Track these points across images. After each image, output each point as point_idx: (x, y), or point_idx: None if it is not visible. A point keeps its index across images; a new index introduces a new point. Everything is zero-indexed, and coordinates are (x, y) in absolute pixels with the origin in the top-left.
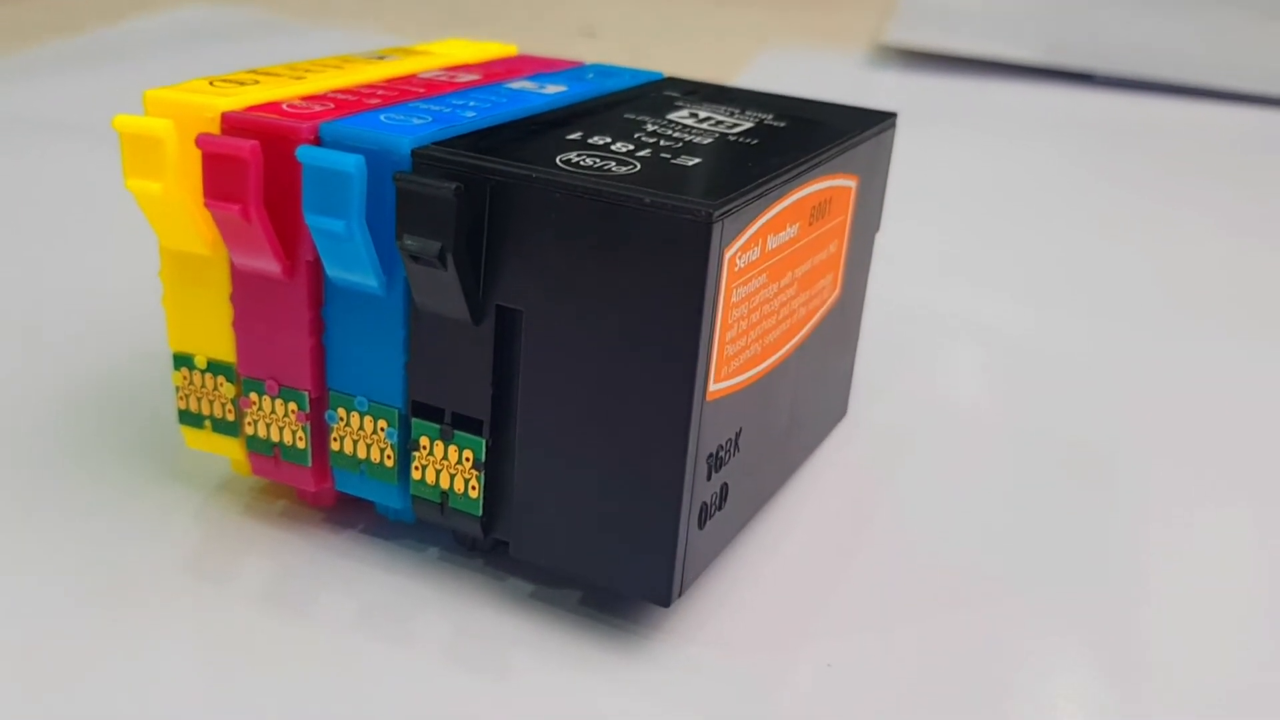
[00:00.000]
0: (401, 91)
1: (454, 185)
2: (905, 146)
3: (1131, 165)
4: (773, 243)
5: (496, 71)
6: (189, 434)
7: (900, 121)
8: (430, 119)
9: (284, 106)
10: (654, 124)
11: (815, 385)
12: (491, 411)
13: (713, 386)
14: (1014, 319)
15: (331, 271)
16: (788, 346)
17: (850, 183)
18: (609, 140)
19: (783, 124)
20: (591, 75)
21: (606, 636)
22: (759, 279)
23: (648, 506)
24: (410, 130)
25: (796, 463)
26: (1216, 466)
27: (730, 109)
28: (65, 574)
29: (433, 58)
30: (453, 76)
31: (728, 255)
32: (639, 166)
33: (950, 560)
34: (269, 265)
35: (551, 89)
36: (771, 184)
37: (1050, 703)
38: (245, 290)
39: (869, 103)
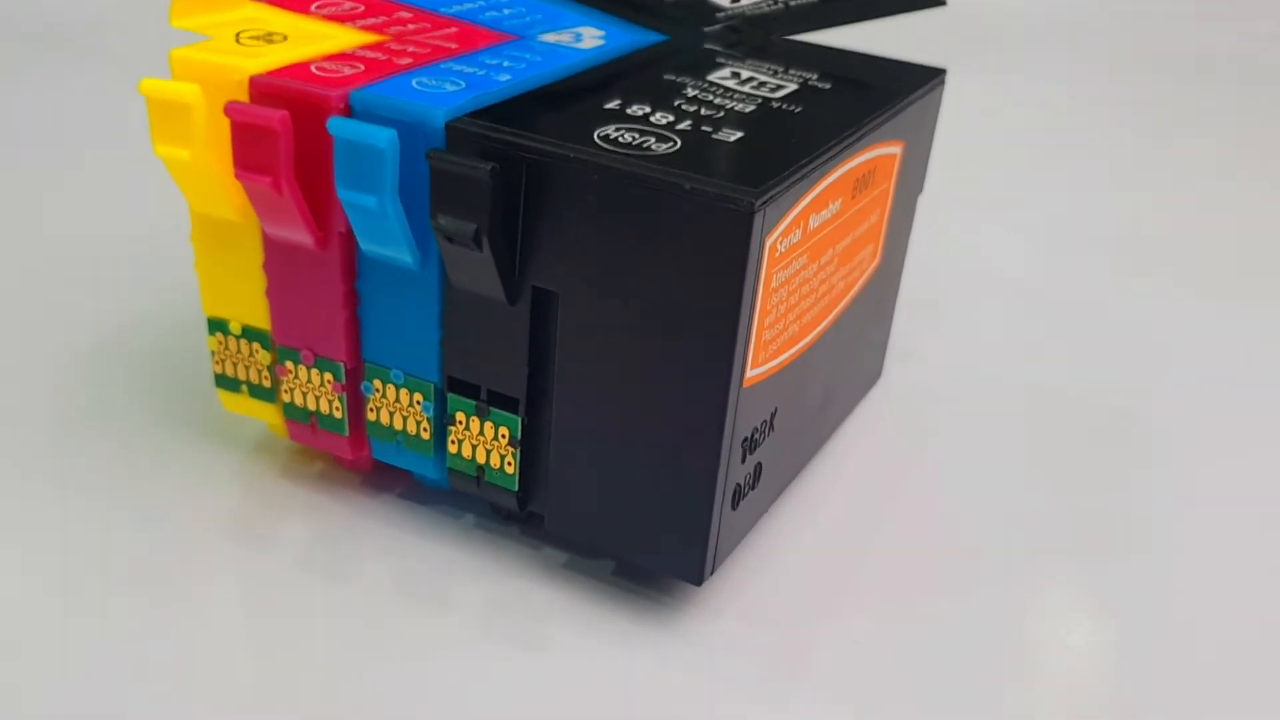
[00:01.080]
0: (433, 49)
1: (490, 166)
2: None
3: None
4: (814, 222)
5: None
6: (225, 398)
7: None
8: (464, 84)
9: (313, 69)
10: (694, 88)
11: (851, 356)
12: (527, 390)
13: (750, 373)
14: (1046, 271)
15: (365, 245)
16: (826, 323)
17: (895, 149)
18: (648, 110)
19: (827, 85)
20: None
21: (639, 608)
22: (799, 260)
23: (682, 489)
24: (443, 99)
25: (830, 431)
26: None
27: (773, 66)
28: (108, 542)
29: None
30: (486, 11)
31: (769, 242)
32: (679, 144)
33: (982, 534)
34: (301, 237)
35: (590, 39)
36: (815, 163)
37: (1079, 682)
38: (277, 260)
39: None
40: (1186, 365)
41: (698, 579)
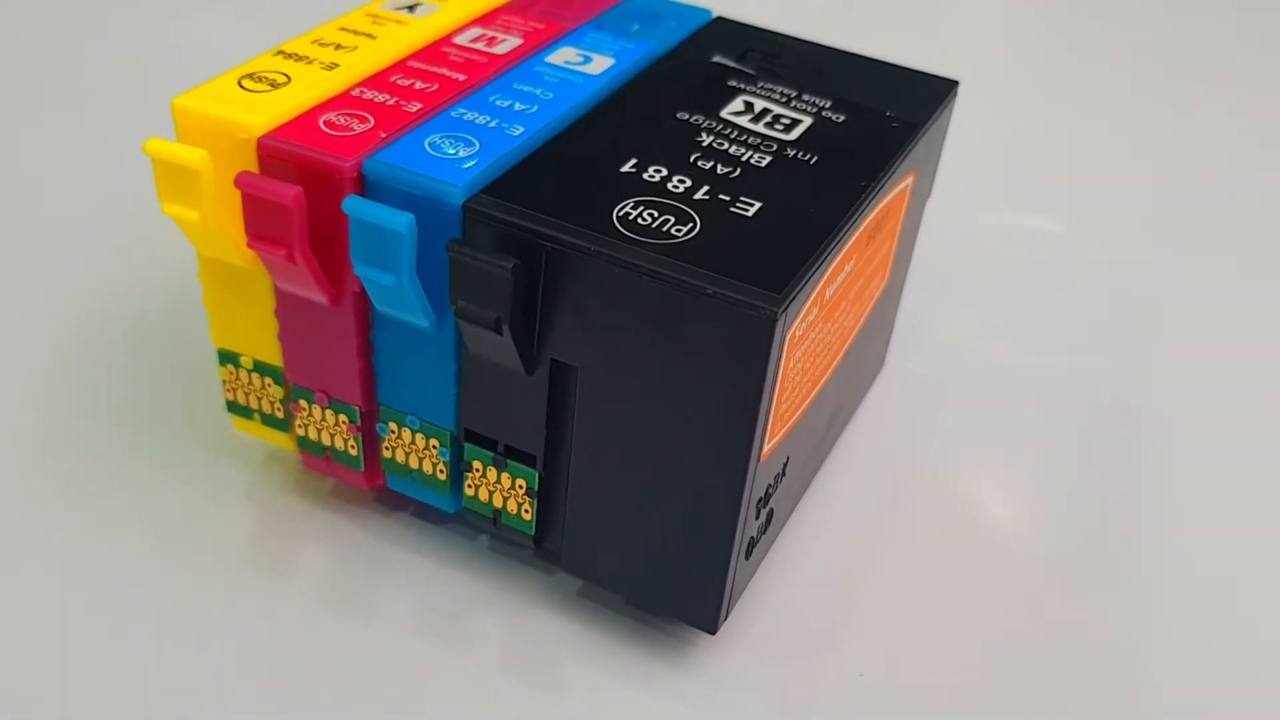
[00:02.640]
0: (441, 84)
1: (512, 263)
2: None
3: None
4: (830, 291)
5: (537, 29)
6: (237, 421)
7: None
8: (477, 145)
9: (321, 124)
10: (708, 132)
11: (858, 371)
12: (545, 446)
13: (767, 445)
14: (1050, 244)
15: (380, 308)
16: (836, 362)
17: (908, 181)
18: (665, 172)
19: (841, 117)
20: (637, 27)
21: (652, 641)
22: (815, 330)
23: (699, 547)
24: (459, 173)
25: (835, 438)
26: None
27: (785, 91)
28: (118, 571)
29: (462, 2)
30: (491, 43)
31: (789, 335)
32: (698, 224)
33: (984, 550)
34: (314, 296)
35: (599, 62)
36: (834, 240)
37: (1085, 704)
38: (290, 309)
39: None
40: (1189, 352)
41: (713, 628)
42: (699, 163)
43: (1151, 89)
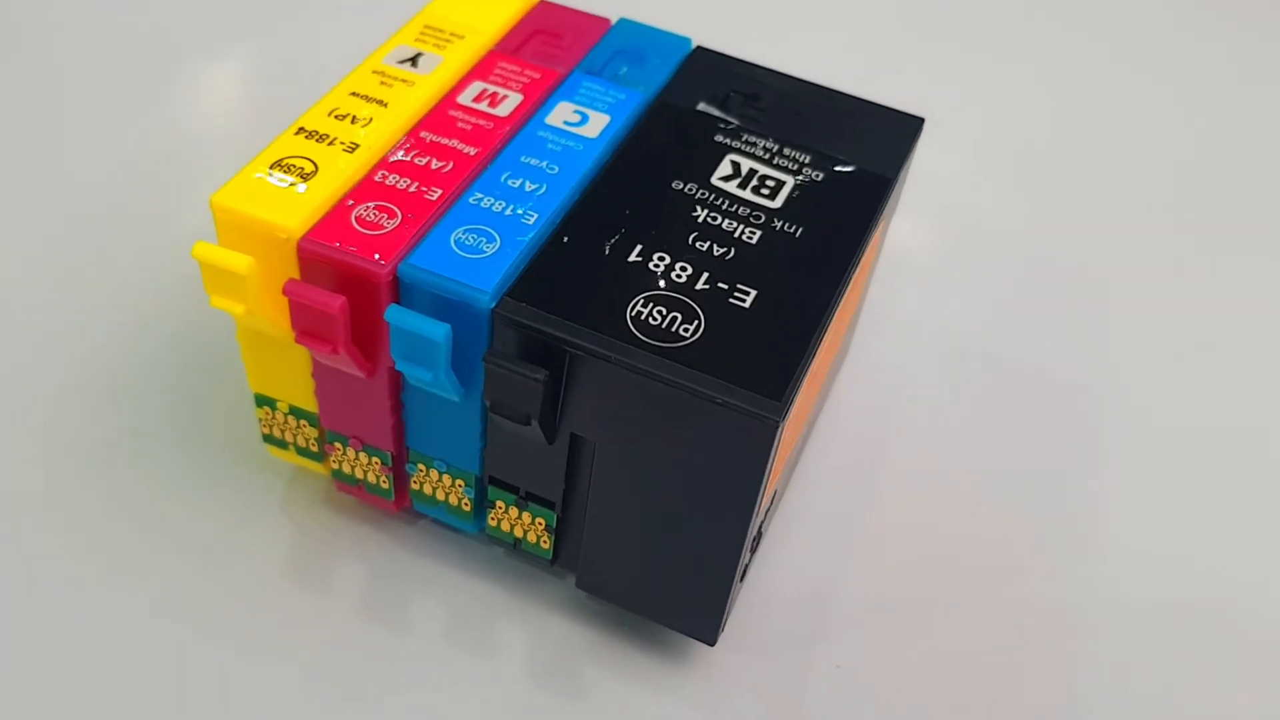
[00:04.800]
0: (455, 164)
1: (543, 374)
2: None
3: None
4: (816, 363)
5: (532, 79)
6: (273, 449)
7: None
8: (498, 241)
9: (353, 220)
10: (702, 204)
11: (833, 376)
12: (564, 493)
13: (764, 505)
14: (1012, 225)
15: (414, 383)
16: (817, 392)
17: (882, 224)
18: (668, 259)
19: (819, 175)
20: (625, 69)
21: (659, 642)
22: (805, 393)
23: (703, 578)
24: (486, 276)
25: (807, 439)
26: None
27: (767, 146)
28: (165, 589)
29: (460, 46)
30: (493, 102)
31: (786, 425)
32: (702, 322)
33: (953, 539)
34: (351, 371)
35: (595, 120)
36: (824, 320)
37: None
38: (327, 375)
39: None
40: (1138, 331)
41: (712, 641)
42: (697, 244)
43: (1106, 68)
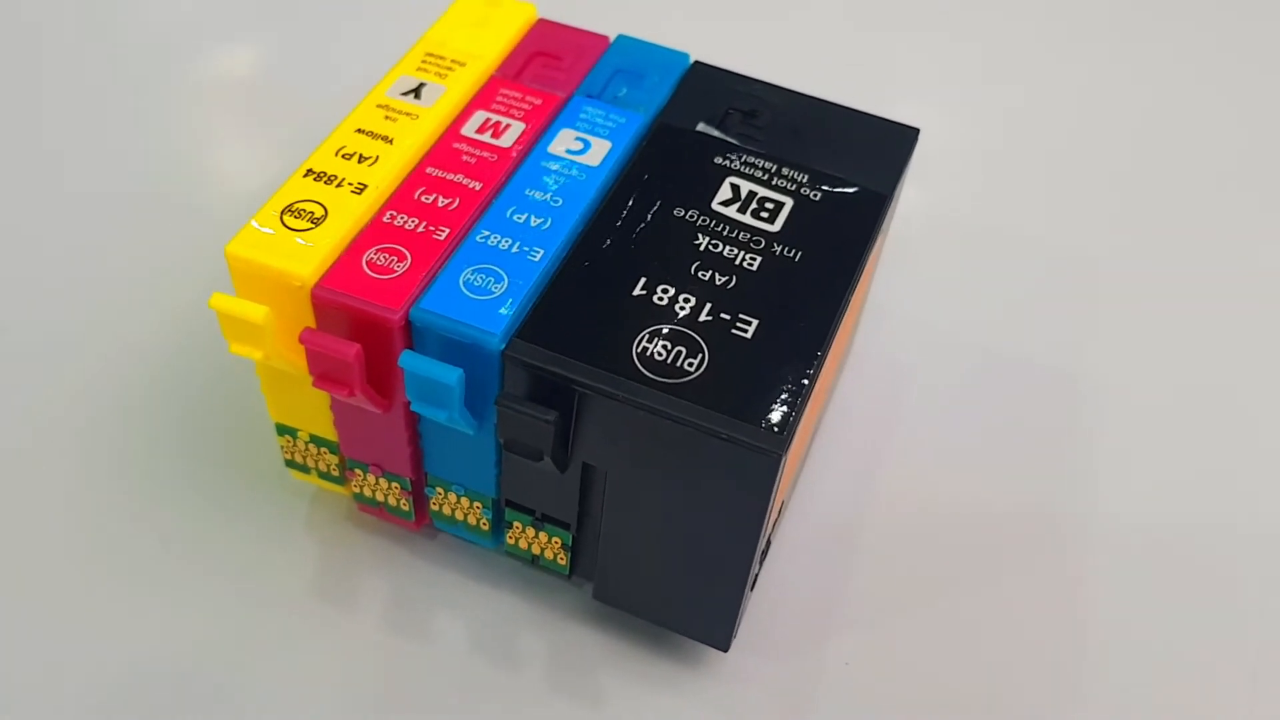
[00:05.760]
0: (461, 201)
1: (554, 415)
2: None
3: None
4: (819, 383)
5: (534, 105)
6: (295, 474)
7: None
8: (506, 280)
9: (364, 265)
10: (703, 231)
11: (838, 375)
12: (578, 513)
13: (771, 520)
14: (1008, 220)
15: (429, 418)
16: (821, 404)
17: (879, 239)
18: (672, 292)
19: (817, 195)
20: (625, 91)
21: (669, 645)
22: (808, 415)
23: (715, 590)
24: (495, 318)
25: (814, 440)
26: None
27: (765, 166)
28: (200, 612)
29: (462, 74)
30: (496, 132)
31: (790, 450)
32: (707, 356)
33: (957, 534)
34: (368, 408)
35: (597, 147)
36: (824, 347)
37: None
38: (345, 410)
39: None
40: (1130, 318)
41: (725, 647)
42: (699, 274)
43: (1098, 58)
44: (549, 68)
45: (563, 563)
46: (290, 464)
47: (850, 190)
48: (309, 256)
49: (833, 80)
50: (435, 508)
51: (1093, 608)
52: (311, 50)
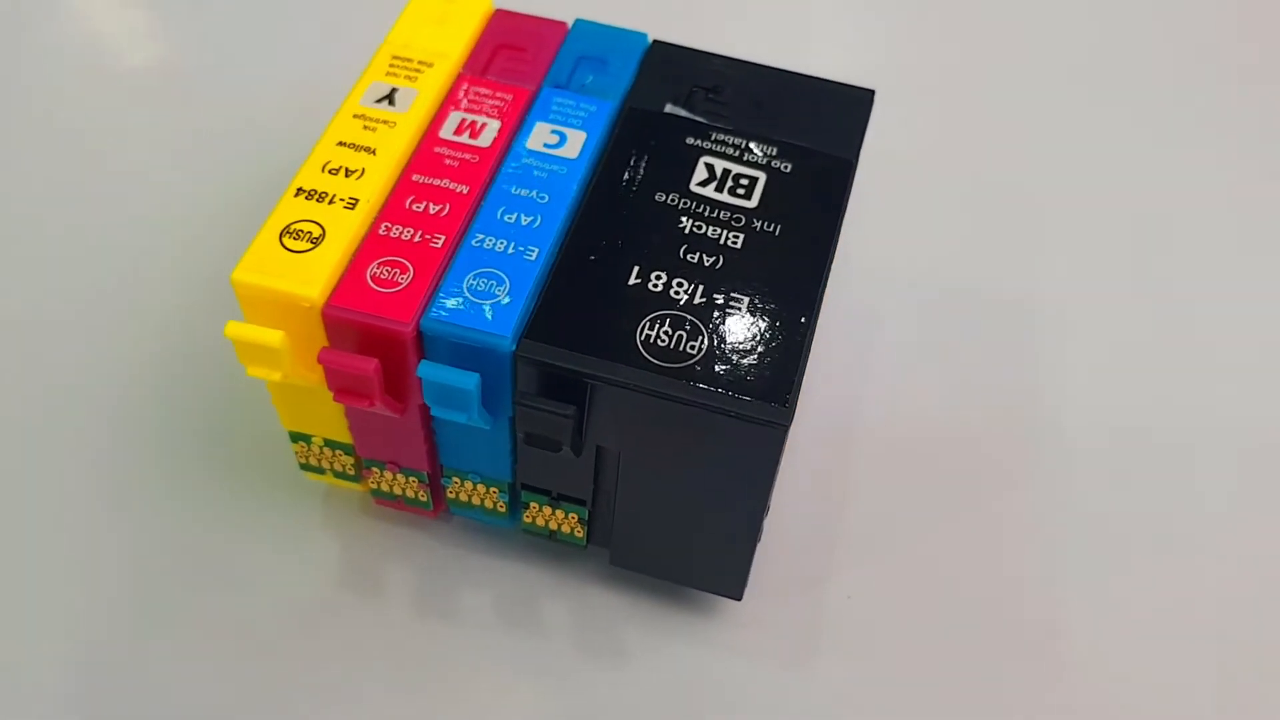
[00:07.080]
0: (452, 206)
1: (571, 409)
2: None
3: None
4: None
5: (506, 102)
6: (310, 475)
7: None
8: (508, 283)
9: (369, 280)
10: (686, 214)
11: None
12: (593, 490)
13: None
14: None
15: (444, 419)
16: None
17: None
18: (665, 278)
19: (788, 166)
20: (591, 78)
21: (683, 597)
22: None
23: (728, 547)
24: (503, 322)
25: None
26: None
27: (735, 143)
28: (228, 608)
29: (431, 75)
30: (473, 132)
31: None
32: (705, 338)
33: (939, 463)
34: (384, 414)
35: (573, 139)
36: (813, 312)
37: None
38: (359, 413)
39: None
40: (1076, 247)
41: (739, 597)
42: (688, 256)
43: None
44: (514, 60)
45: (580, 536)
46: (305, 467)
47: (818, 157)
48: (314, 277)
49: (771, 34)
50: (452, 495)
51: (1080, 515)
52: (237, 45)
